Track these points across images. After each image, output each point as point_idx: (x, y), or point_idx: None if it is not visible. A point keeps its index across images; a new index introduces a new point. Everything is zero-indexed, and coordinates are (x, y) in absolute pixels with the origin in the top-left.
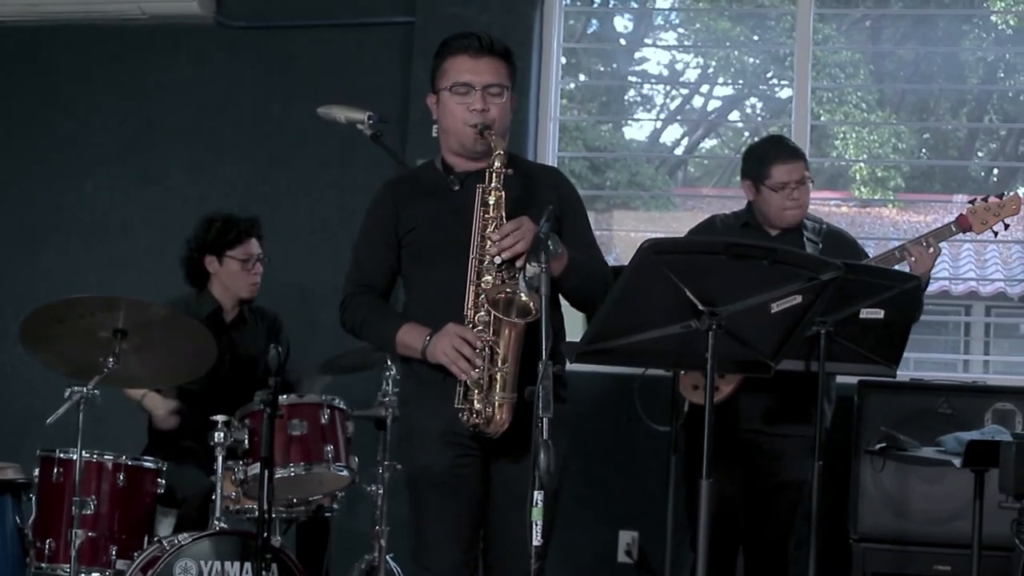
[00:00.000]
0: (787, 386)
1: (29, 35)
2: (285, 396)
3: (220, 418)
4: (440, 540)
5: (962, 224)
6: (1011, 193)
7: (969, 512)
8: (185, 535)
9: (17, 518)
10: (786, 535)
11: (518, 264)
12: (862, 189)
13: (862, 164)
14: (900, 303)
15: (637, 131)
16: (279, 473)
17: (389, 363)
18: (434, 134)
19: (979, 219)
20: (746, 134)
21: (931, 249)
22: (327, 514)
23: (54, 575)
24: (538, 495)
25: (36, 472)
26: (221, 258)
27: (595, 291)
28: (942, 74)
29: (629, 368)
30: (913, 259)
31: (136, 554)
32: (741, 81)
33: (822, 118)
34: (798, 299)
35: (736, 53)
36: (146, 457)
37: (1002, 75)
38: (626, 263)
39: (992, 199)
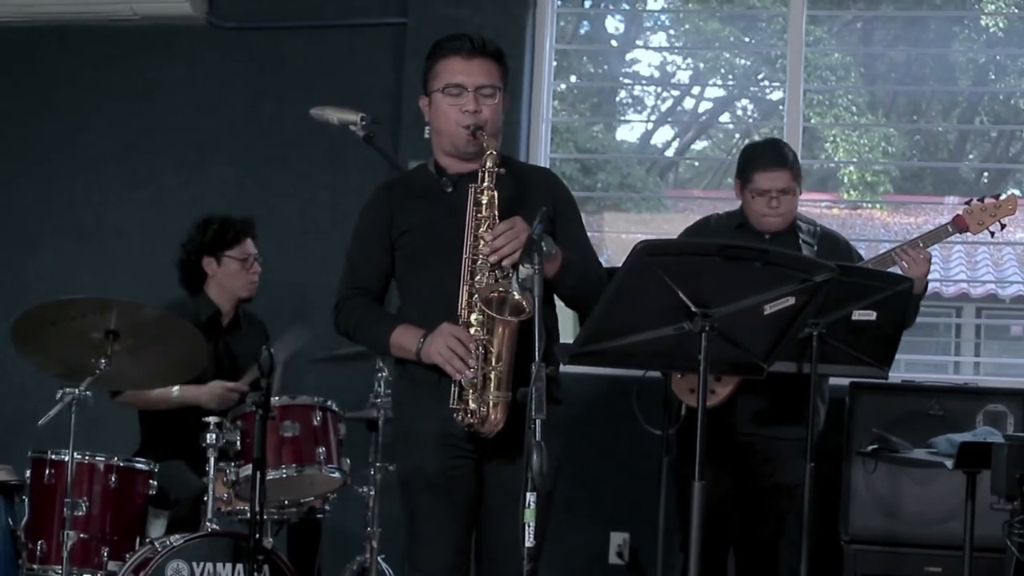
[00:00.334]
0: (781, 388)
1: (21, 36)
2: (277, 398)
3: (212, 419)
4: (433, 541)
5: (959, 225)
6: (1007, 193)
7: (960, 514)
8: (177, 536)
9: (9, 520)
10: (778, 536)
11: (507, 263)
12: (851, 192)
13: (852, 168)
14: (892, 305)
15: (628, 133)
16: (271, 474)
17: (381, 364)
18: (426, 135)
19: (975, 220)
20: (737, 136)
21: (921, 255)
22: (319, 515)
23: None
24: (531, 497)
25: (28, 473)
26: (219, 259)
27: (590, 292)
28: (933, 76)
29: (622, 370)
30: (907, 261)
31: (128, 555)
32: (732, 83)
33: (812, 120)
34: (791, 301)
35: (727, 55)
36: (138, 458)
37: (993, 77)
38: (617, 264)
39: (988, 200)
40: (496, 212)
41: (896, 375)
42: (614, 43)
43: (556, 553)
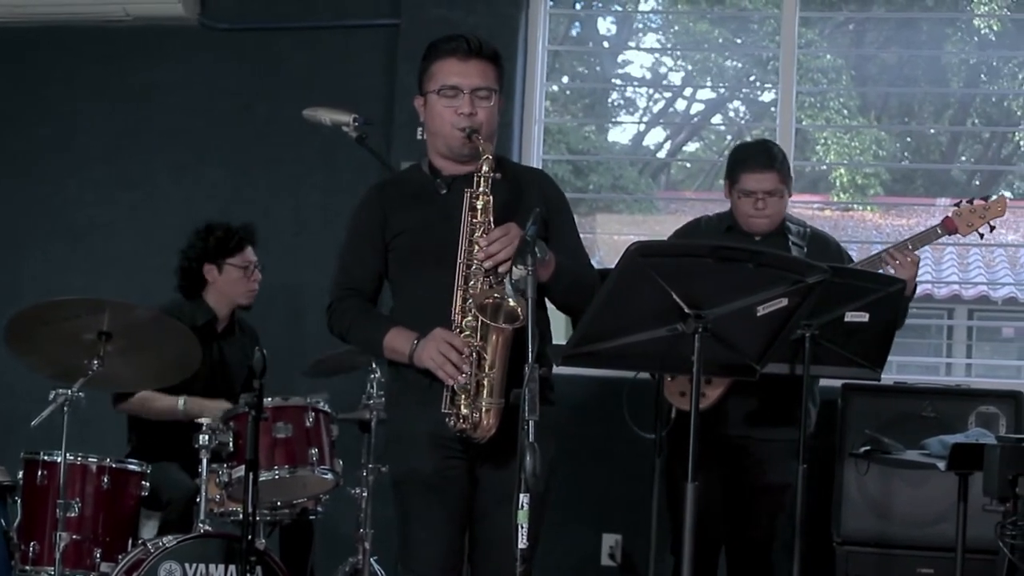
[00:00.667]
0: (772, 390)
1: (13, 36)
2: (270, 399)
3: (204, 421)
4: (426, 542)
5: (947, 227)
6: (997, 195)
7: (953, 515)
8: (169, 537)
9: (2, 521)
10: (770, 538)
11: (501, 270)
12: (841, 195)
13: (843, 171)
14: (885, 306)
15: (620, 134)
16: (264, 476)
17: (374, 366)
18: (419, 136)
19: (964, 221)
20: (729, 137)
21: (909, 258)
22: (311, 517)
23: None
24: (524, 498)
25: (20, 474)
26: (221, 267)
27: (582, 295)
28: (925, 78)
29: (614, 372)
30: (893, 266)
31: (120, 557)
32: (724, 84)
33: (803, 123)
34: (784, 302)
35: (719, 57)
36: (130, 459)
37: (985, 79)
38: (609, 266)
39: (977, 201)
40: (491, 218)
41: (888, 377)
42: (606, 44)
43: (549, 555)
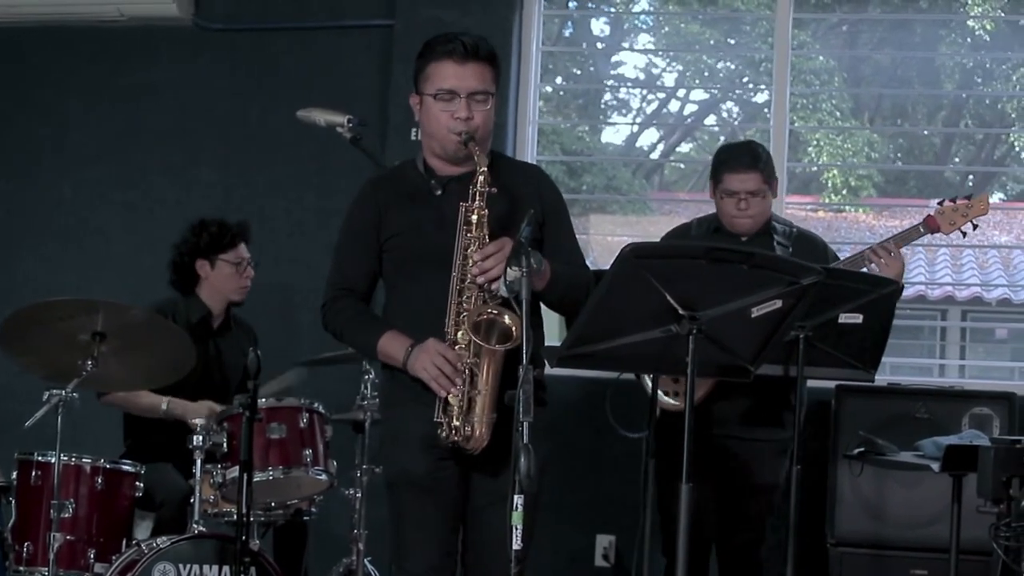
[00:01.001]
0: (758, 390)
1: (6, 36)
2: (264, 400)
3: (199, 421)
4: (419, 543)
5: (930, 225)
6: (979, 194)
7: (947, 517)
8: (163, 538)
9: None
10: (759, 539)
11: (494, 287)
12: (833, 197)
13: (835, 172)
14: (879, 308)
15: (614, 135)
16: (258, 477)
17: (367, 366)
18: (413, 137)
19: (947, 220)
20: (722, 138)
21: (892, 254)
22: (305, 518)
23: None
24: (518, 499)
25: (14, 475)
26: (213, 262)
27: (577, 300)
28: (919, 79)
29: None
30: (878, 264)
31: (114, 557)
32: (717, 86)
33: (796, 124)
34: (778, 304)
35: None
36: (124, 460)
37: (979, 80)
38: (603, 267)
39: (960, 200)
40: (486, 232)
41: (881, 378)
42: (600, 45)
43: (542, 556)
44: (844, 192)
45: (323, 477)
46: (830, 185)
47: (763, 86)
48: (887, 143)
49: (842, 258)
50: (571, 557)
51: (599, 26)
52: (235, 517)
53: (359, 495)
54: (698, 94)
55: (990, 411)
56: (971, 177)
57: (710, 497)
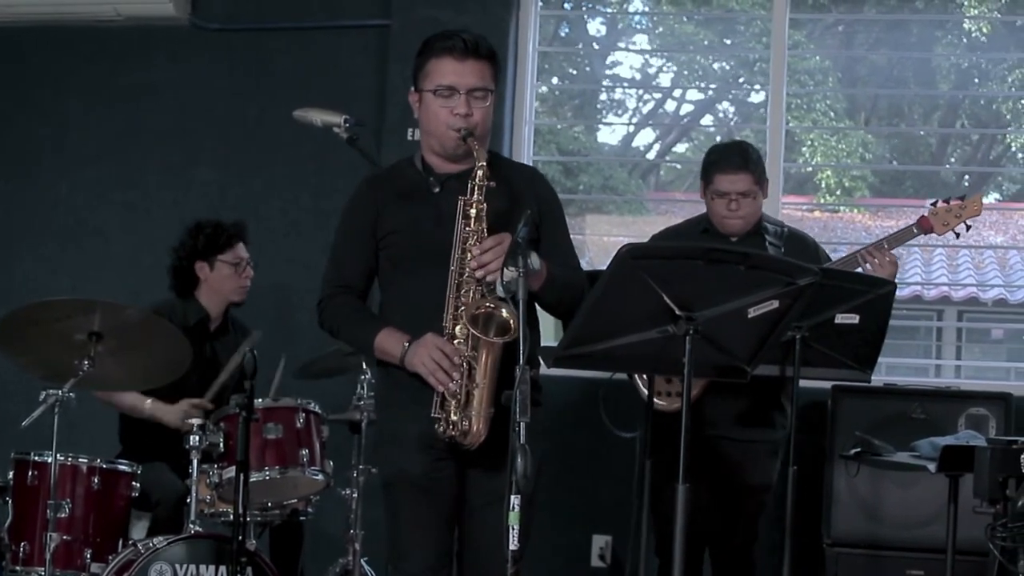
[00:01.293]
0: (749, 391)
1: (3, 36)
2: (260, 400)
3: (195, 422)
4: (416, 543)
5: (923, 226)
6: (973, 195)
7: (943, 517)
8: (160, 538)
9: None
10: (752, 539)
11: (492, 280)
12: (827, 197)
13: (829, 173)
14: (875, 308)
15: (610, 135)
16: (254, 477)
17: (364, 367)
18: (410, 137)
19: (940, 221)
20: (718, 138)
21: (887, 257)
22: (302, 518)
23: None
24: (515, 499)
25: (11, 475)
26: (212, 264)
27: (572, 303)
28: (915, 80)
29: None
30: (872, 264)
31: (111, 557)
32: (713, 86)
33: (791, 124)
34: (775, 304)
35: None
36: (120, 460)
37: (976, 80)
38: (599, 267)
39: (954, 201)
40: (485, 226)
41: (877, 378)
42: (595, 46)
43: (538, 556)
44: (838, 193)
45: (319, 477)
46: (824, 186)
47: (758, 86)
48: (883, 143)
49: (835, 259)
50: (567, 557)
51: (595, 26)
52: (231, 517)
53: (355, 495)
54: (694, 94)
55: (986, 411)
56: (967, 177)
57: (702, 497)
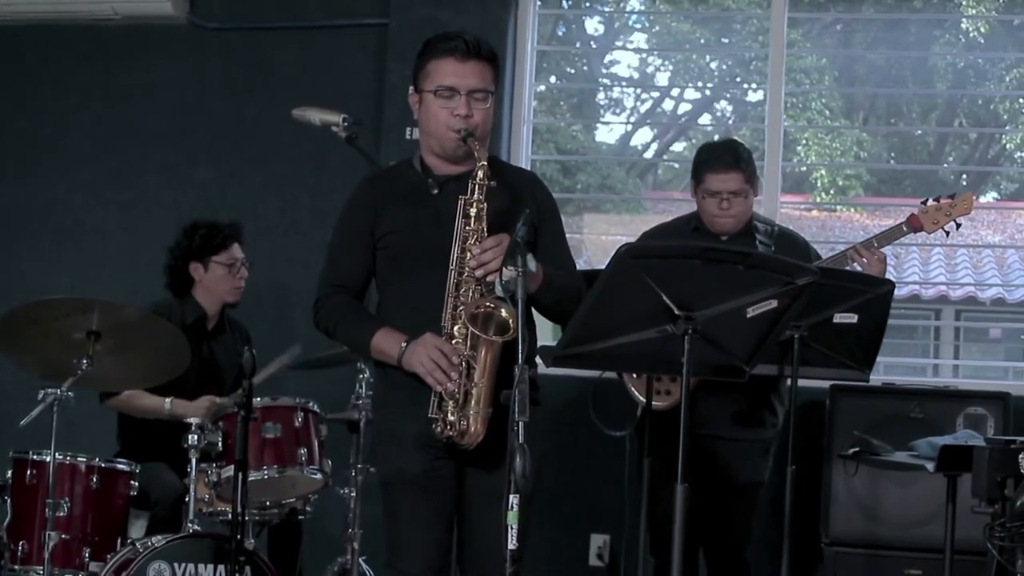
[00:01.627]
0: (739, 390)
1: (0, 35)
2: (259, 399)
3: (193, 421)
4: (414, 542)
5: (913, 224)
6: (963, 193)
7: (941, 516)
8: (158, 537)
9: None
10: (746, 539)
11: (491, 279)
12: (822, 196)
13: (823, 172)
14: (873, 307)
15: (607, 134)
16: (253, 476)
17: (362, 366)
18: (408, 136)
19: (930, 219)
20: (715, 137)
21: (876, 255)
22: (300, 517)
23: None
24: (514, 499)
25: (9, 474)
26: (206, 264)
27: (569, 306)
28: (913, 79)
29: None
30: (860, 263)
31: (109, 556)
32: (710, 85)
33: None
34: (774, 304)
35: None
36: (119, 459)
37: (974, 80)
38: (596, 266)
39: (944, 199)
40: (484, 225)
41: (876, 378)
42: (593, 45)
43: (537, 555)
44: (832, 192)
45: (318, 476)
46: (819, 185)
47: (755, 85)
48: (880, 143)
49: (825, 257)
50: (565, 557)
51: (593, 25)
52: (230, 516)
53: (354, 494)
54: (691, 93)
55: (985, 411)
56: (965, 176)
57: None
